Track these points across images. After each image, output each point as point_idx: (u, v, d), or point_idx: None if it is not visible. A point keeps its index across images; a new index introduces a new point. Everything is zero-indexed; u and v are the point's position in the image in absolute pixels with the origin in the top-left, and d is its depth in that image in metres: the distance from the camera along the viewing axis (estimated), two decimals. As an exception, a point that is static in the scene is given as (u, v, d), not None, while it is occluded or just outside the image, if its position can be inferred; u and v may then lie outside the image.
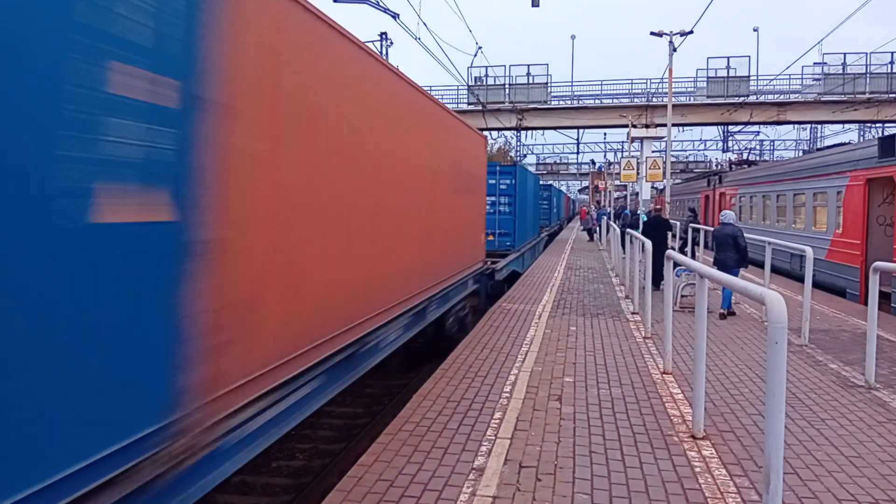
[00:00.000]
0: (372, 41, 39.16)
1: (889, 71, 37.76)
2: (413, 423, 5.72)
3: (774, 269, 15.51)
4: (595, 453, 5.04)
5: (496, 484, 4.47)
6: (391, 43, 38.71)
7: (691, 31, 23.29)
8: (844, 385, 7.09)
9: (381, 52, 38.72)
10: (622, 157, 42.62)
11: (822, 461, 4.96)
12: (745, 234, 11.35)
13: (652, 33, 24.33)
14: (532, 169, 51.81)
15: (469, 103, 41.59)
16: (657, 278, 12.66)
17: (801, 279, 11.05)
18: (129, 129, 2.89)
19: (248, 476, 6.72)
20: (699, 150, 69.31)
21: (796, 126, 54.67)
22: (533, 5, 25.23)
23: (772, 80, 39.39)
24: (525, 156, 64.74)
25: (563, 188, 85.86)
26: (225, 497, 6.29)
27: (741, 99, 38.78)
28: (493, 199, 19.35)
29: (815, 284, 12.93)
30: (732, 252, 11.12)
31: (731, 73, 39.59)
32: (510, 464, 4.82)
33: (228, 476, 3.73)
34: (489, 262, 14.70)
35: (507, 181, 20.49)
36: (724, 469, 4.77)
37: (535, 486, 4.44)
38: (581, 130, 55.91)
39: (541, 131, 51.57)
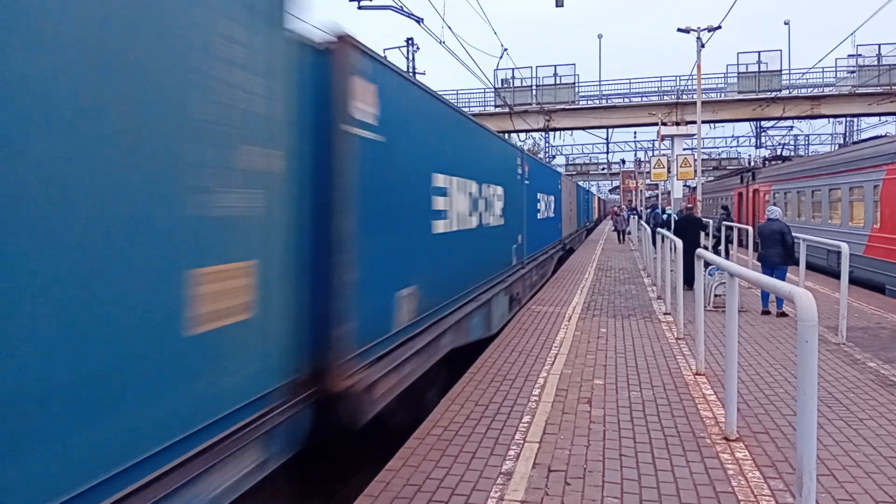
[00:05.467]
0: (398, 47, 39.36)
1: (926, 61, 36.85)
2: (441, 426, 5.70)
3: (811, 267, 15.21)
4: (625, 457, 4.98)
5: (524, 488, 4.44)
6: (417, 48, 38.85)
7: (719, 27, 23.00)
8: (884, 384, 6.91)
9: (407, 58, 38.89)
10: (653, 155, 42.20)
11: (859, 462, 4.83)
12: None
13: (679, 30, 24.10)
14: (561, 170, 51.46)
15: (496, 106, 41.57)
16: (689, 278, 12.49)
17: (838, 276, 10.82)
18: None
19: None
20: (731, 147, 68.36)
21: (831, 120, 53.60)
22: (557, 5, 25.12)
23: (804, 73, 38.78)
24: (554, 157, 64.58)
25: (594, 188, 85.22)
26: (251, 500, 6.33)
27: (773, 94, 38.19)
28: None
29: (853, 281, 12.64)
30: (779, 248, 10.91)
31: (763, 68, 38.99)
32: (539, 468, 4.78)
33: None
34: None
35: None
36: (758, 471, 4.67)
37: (564, 491, 4.40)
38: (610, 130, 55.60)
39: (569, 132, 51.42)
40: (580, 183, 50.52)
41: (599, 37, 49.72)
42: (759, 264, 11.40)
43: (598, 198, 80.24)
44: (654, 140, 51.82)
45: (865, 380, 7.06)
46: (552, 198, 18.42)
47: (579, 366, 7.77)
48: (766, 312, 11.24)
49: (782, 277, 10.64)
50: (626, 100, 42.15)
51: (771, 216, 11.28)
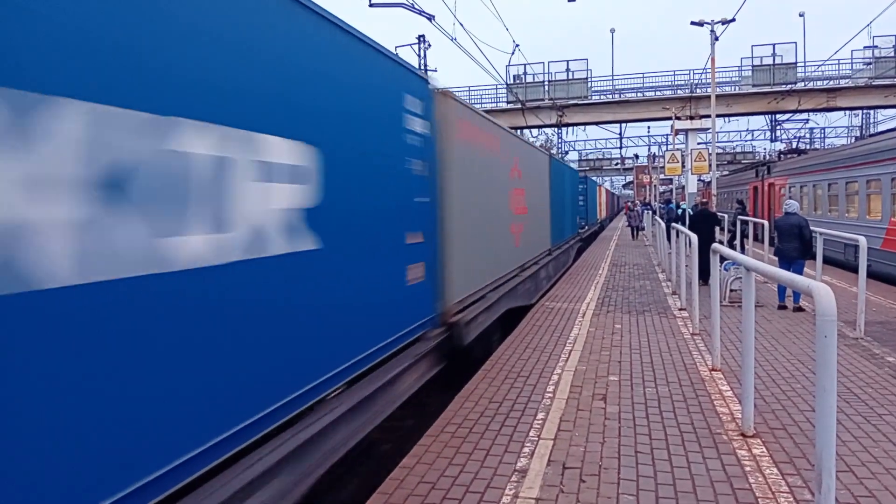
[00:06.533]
0: (410, 44, 39.36)
1: (945, 51, 36.41)
2: (455, 424, 5.69)
3: (828, 261, 15.05)
4: (641, 453, 4.94)
5: (539, 486, 4.41)
6: (429, 45, 38.80)
7: (733, 19, 22.80)
8: (903, 379, 6.82)
9: (418, 55, 38.87)
10: (667, 150, 41.94)
11: (878, 458, 4.76)
12: None
13: (692, 23, 23.91)
14: (574, 165, 51.07)
15: (508, 102, 41.48)
16: (705, 273, 12.40)
17: (855, 270, 10.70)
18: None
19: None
20: (746, 141, 67.87)
21: (847, 112, 53.08)
22: (569, 0, 24.98)
23: (820, 65, 38.39)
24: (567, 152, 64.37)
25: (607, 184, 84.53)
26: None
27: (788, 86, 37.84)
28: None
29: (871, 275, 12.50)
30: (797, 243, 10.81)
31: (777, 61, 38.67)
32: (553, 465, 4.75)
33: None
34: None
35: None
36: (776, 468, 4.62)
37: (580, 488, 4.37)
38: (623, 125, 55.34)
39: (582, 127, 51.17)
40: (594, 178, 49.92)
41: (612, 31, 49.53)
42: (776, 259, 11.30)
43: (606, 191, 62.58)
44: (667, 134, 51.52)
45: (884, 374, 6.97)
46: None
47: (594, 362, 7.73)
48: (782, 307, 11.14)
49: (800, 272, 10.54)
50: (640, 94, 41.93)
51: (789, 210, 11.17)
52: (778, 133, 57.34)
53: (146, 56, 2.79)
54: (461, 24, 18.82)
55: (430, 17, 18.45)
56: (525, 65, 41.86)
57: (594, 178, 49.65)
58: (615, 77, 43.13)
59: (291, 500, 3.69)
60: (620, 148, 67.01)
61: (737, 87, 40.19)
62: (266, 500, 3.42)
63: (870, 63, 38.17)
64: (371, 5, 19.62)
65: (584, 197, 29.63)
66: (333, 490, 6.42)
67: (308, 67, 4.19)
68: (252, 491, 3.30)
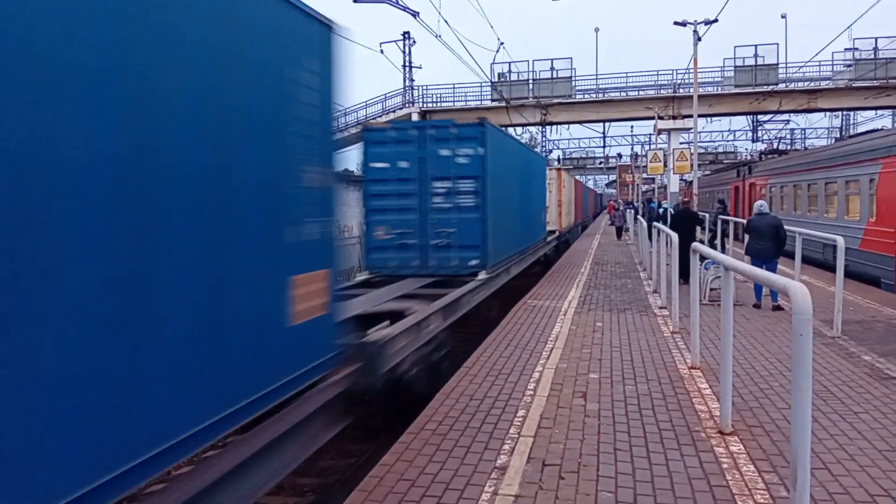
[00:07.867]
0: (395, 41, 39.30)
1: (923, 54, 36.87)
2: (436, 421, 5.69)
3: (807, 260, 15.22)
4: (620, 451, 4.97)
5: (519, 483, 4.43)
6: (414, 42, 38.76)
7: (715, 20, 22.98)
8: (878, 377, 6.91)
9: (403, 52, 38.80)
10: (649, 149, 42.13)
11: (854, 455, 4.82)
12: None
13: (676, 23, 24.08)
14: (559, 164, 51.06)
15: (493, 100, 41.48)
16: (685, 272, 12.48)
17: (834, 269, 10.81)
18: None
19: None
20: (728, 141, 68.32)
21: (828, 114, 53.60)
22: (554, -1, 25.06)
23: (801, 67, 38.81)
24: (551, 151, 64.55)
25: (591, 183, 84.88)
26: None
27: (770, 87, 38.18)
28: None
29: (849, 274, 12.65)
30: (772, 242, 10.94)
31: (760, 62, 38.98)
32: (533, 462, 4.77)
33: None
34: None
35: None
36: (753, 465, 4.66)
37: (559, 485, 4.39)
38: (607, 124, 55.58)
39: (566, 126, 51.34)
40: (578, 177, 49.59)
41: (596, 30, 49.73)
42: (748, 257, 11.41)
43: (578, 182, 42.46)
44: (651, 134, 51.83)
45: (860, 373, 7.06)
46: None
47: (574, 360, 7.76)
48: (756, 306, 11.25)
49: (774, 270, 10.65)
50: (623, 94, 42.11)
51: (763, 210, 11.35)
52: (759, 133, 57.95)
53: None
54: (446, 22, 18.90)
55: (415, 14, 18.43)
56: (510, 63, 41.89)
57: (579, 178, 49.31)
58: (599, 76, 43.25)
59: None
60: (604, 147, 67.38)
61: (719, 88, 40.48)
62: None
63: (850, 65, 38.60)
64: (355, 1, 19.56)
65: (474, 181, 11.27)
66: (315, 488, 6.40)
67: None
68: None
